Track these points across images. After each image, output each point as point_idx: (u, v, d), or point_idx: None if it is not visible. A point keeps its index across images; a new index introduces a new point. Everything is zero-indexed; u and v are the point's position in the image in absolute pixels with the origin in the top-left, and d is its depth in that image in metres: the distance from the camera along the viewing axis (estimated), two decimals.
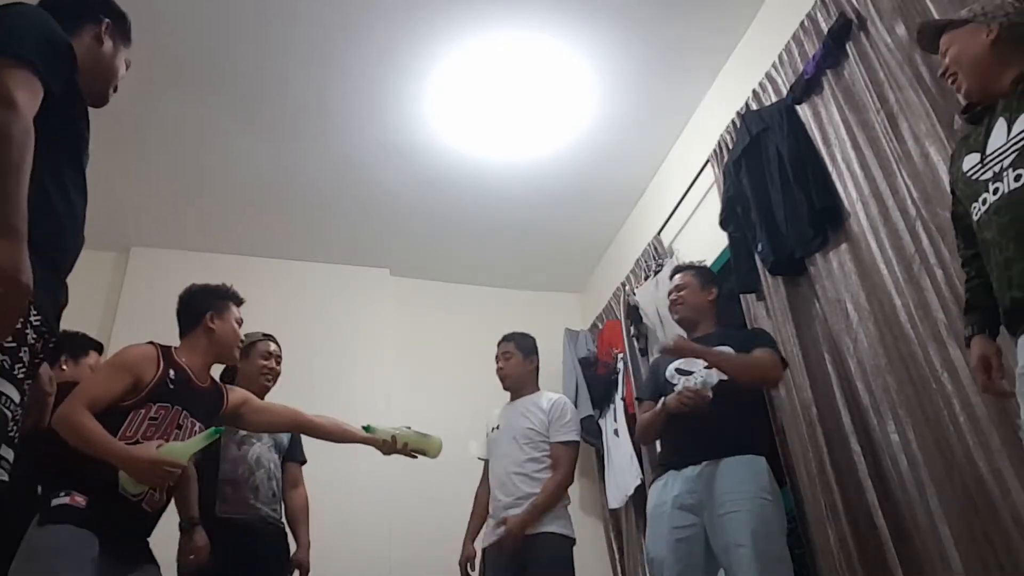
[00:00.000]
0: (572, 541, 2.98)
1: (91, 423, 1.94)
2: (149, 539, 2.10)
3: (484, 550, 3.07)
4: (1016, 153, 1.48)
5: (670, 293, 2.82)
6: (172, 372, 2.14)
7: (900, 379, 2.23)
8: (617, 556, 4.16)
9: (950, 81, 1.70)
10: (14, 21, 1.25)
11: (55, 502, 1.87)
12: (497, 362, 3.35)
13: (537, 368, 3.36)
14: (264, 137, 3.67)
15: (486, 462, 3.29)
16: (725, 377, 2.43)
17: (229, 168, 3.84)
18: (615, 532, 4.21)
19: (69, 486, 1.90)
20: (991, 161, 1.53)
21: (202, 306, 2.32)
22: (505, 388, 3.33)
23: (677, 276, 2.84)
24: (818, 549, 2.52)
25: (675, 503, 2.38)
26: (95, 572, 1.84)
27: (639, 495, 3.83)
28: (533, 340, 3.38)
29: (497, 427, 3.24)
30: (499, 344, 3.38)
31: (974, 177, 1.58)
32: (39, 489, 1.95)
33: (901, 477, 2.21)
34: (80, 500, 1.88)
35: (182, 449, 2.03)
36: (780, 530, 2.28)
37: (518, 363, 3.30)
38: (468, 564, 3.08)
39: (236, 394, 2.38)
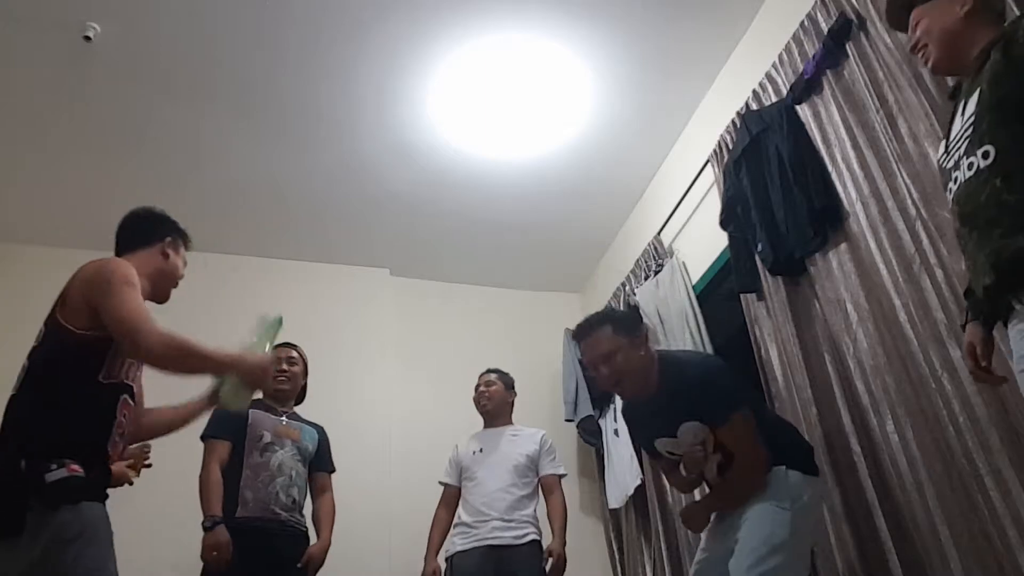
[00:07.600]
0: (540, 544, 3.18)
1: (183, 336, 1.71)
2: None
3: (451, 558, 3.16)
4: (967, 141, 1.44)
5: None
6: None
7: (899, 379, 2.23)
8: (617, 556, 4.16)
9: (920, 55, 1.66)
10: None
11: (51, 477, 1.57)
12: (478, 389, 3.51)
13: (513, 403, 3.55)
14: (263, 138, 3.67)
15: (447, 486, 3.38)
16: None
17: (229, 169, 3.84)
18: (615, 532, 4.21)
19: (58, 454, 1.61)
20: (952, 149, 1.51)
21: (162, 229, 2.09)
22: (485, 413, 3.49)
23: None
24: (818, 549, 2.52)
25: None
26: None
27: (639, 495, 3.83)
28: (513, 379, 3.60)
29: (480, 450, 3.35)
30: (481, 376, 3.57)
31: (943, 166, 1.55)
32: (22, 465, 1.59)
33: (900, 477, 2.20)
34: (77, 468, 1.61)
35: (260, 343, 1.93)
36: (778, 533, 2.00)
37: (500, 392, 3.49)
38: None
39: None
